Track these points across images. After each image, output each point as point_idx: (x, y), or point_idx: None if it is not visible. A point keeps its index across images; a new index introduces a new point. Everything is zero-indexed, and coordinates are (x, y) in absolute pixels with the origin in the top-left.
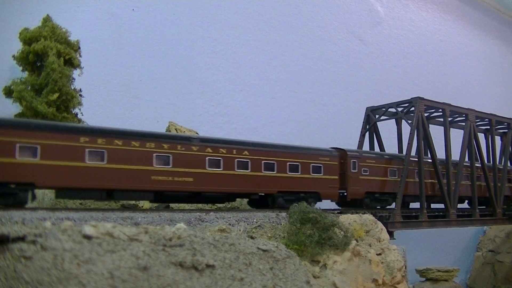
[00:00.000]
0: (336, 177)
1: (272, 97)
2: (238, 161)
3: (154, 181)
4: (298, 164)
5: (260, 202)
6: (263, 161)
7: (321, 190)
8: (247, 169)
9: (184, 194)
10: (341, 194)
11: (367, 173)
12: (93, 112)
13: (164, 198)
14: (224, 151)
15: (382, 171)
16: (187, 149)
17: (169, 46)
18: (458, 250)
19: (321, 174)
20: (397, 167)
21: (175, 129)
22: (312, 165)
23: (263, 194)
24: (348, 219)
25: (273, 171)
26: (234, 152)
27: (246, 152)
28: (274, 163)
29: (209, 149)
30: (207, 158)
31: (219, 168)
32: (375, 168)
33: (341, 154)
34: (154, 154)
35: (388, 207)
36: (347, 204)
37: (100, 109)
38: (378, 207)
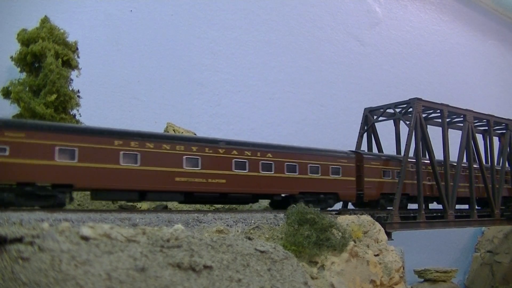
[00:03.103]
0: None
1: (270, 97)
2: None
3: None
4: None
5: None
6: None
7: None
8: None
9: None
10: None
11: None
12: (91, 113)
13: None
14: None
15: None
16: None
17: (167, 47)
18: (456, 250)
19: None
20: (72, 145)
21: (173, 130)
22: None
23: None
24: (346, 220)
25: None
26: None
27: None
28: None
29: None
30: None
31: None
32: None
33: None
34: None
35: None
36: None
37: (98, 110)
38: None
